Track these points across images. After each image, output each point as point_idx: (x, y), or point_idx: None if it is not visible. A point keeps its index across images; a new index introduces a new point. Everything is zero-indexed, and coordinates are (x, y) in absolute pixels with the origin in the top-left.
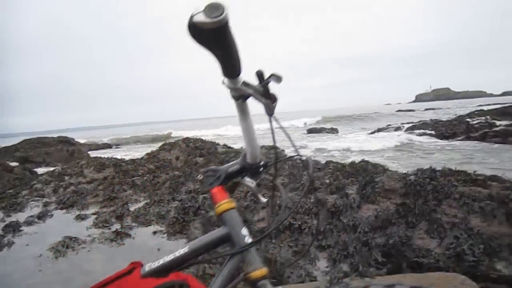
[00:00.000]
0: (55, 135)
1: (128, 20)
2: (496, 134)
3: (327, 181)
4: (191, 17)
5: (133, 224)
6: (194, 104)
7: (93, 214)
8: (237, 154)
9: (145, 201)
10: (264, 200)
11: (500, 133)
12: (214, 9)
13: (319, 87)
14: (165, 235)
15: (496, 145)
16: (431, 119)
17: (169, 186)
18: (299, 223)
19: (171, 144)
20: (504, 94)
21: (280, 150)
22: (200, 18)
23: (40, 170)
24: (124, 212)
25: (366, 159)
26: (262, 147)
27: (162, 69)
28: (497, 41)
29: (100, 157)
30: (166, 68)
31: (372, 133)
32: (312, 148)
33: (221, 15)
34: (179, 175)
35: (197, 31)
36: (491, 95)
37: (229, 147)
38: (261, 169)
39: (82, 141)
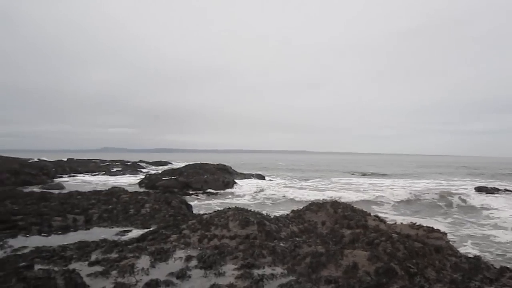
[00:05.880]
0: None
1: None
2: None
3: None
4: None
5: None
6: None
7: (227, 287)
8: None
9: (283, 279)
10: None
11: None
12: None
13: (485, 132)
14: None
15: None
16: None
17: (309, 265)
18: None
19: (318, 205)
20: None
21: None
22: None
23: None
24: None
25: None
26: None
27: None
28: None
29: (246, 211)
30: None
31: None
32: None
33: None
34: (322, 252)
35: None
36: None
37: (382, 220)
38: None
39: (238, 170)
